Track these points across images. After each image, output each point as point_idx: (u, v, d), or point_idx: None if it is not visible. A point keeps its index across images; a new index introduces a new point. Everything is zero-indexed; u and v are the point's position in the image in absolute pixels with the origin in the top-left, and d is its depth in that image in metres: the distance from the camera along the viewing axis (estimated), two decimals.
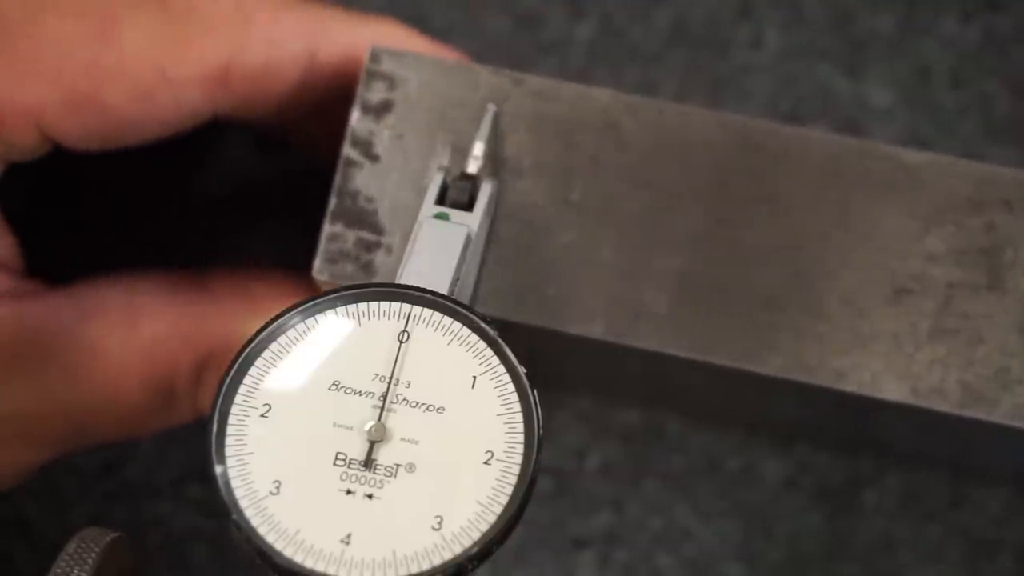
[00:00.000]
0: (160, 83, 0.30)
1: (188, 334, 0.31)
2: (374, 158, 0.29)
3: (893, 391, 0.27)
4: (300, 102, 0.32)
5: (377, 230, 0.28)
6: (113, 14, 0.30)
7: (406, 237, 0.28)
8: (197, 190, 0.37)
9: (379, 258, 0.28)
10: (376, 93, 0.29)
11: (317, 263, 0.28)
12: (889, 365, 0.28)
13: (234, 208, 0.37)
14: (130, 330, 0.31)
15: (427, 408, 0.22)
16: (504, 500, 0.21)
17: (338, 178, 0.29)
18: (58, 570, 0.22)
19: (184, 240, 0.36)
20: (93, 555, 0.22)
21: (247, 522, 0.21)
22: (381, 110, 0.29)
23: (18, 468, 0.31)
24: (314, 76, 0.32)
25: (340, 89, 0.32)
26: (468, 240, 0.26)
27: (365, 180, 0.29)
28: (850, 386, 0.28)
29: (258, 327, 0.26)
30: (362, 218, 0.29)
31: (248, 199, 0.37)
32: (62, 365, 0.30)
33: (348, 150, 0.29)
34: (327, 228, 0.28)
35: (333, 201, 0.29)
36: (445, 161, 0.29)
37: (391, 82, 0.29)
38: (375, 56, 0.29)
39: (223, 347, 0.31)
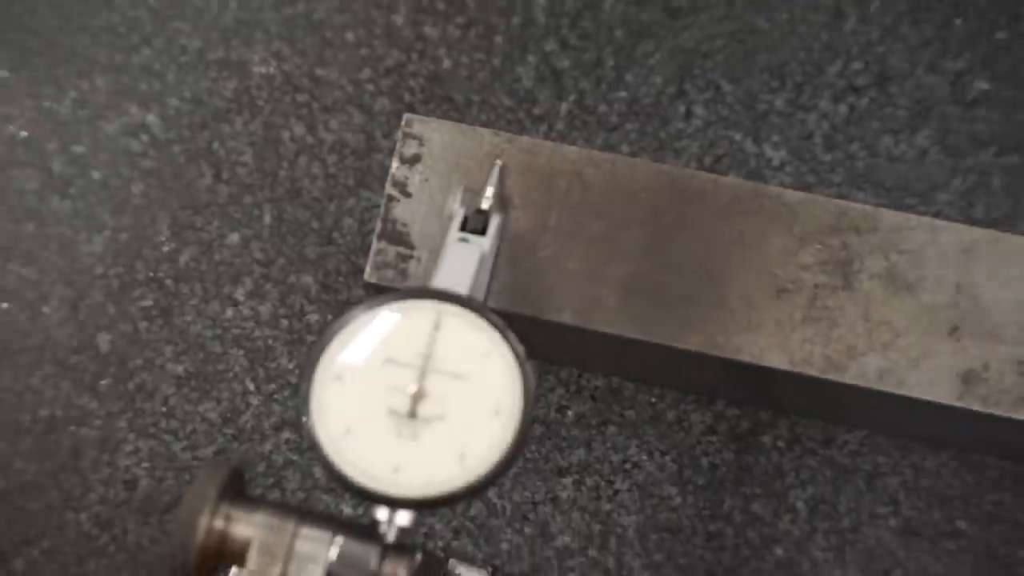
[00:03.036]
0: None
1: None
2: (408, 195, 0.30)
3: (775, 361, 0.28)
4: None
5: (410, 247, 0.29)
6: None
7: (432, 252, 0.29)
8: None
9: (412, 267, 0.29)
10: (410, 148, 0.30)
11: (368, 270, 0.29)
12: (773, 343, 0.29)
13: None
14: None
15: (453, 376, 0.22)
16: (508, 441, 0.21)
17: (382, 210, 0.29)
18: (192, 487, 0.22)
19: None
20: (217, 478, 0.22)
21: (326, 456, 0.21)
22: (413, 161, 0.30)
23: None
24: None
25: None
26: (482, 257, 0.26)
27: (401, 211, 0.29)
28: (745, 357, 0.28)
29: None
30: (399, 238, 0.29)
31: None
32: None
33: (390, 189, 0.29)
34: (375, 245, 0.29)
35: (379, 226, 0.29)
36: (459, 198, 0.30)
37: (420, 140, 0.30)
38: (408, 121, 0.30)
39: None
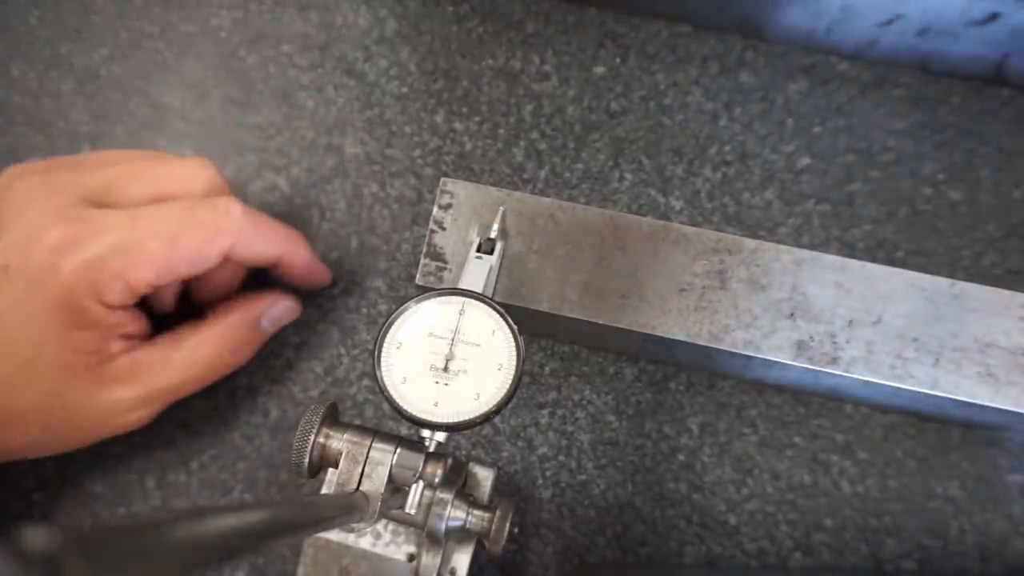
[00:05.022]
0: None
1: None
2: (444, 229, 0.29)
3: (677, 334, 0.28)
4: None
5: (444, 262, 0.29)
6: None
7: (460, 266, 0.28)
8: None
9: (446, 275, 0.28)
10: (445, 199, 0.29)
11: (418, 276, 0.28)
12: (676, 323, 0.28)
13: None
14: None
15: (472, 344, 0.22)
16: (507, 386, 0.21)
17: (427, 238, 0.29)
18: (305, 416, 0.22)
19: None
20: (321, 410, 0.22)
21: (390, 396, 0.21)
22: (447, 207, 0.29)
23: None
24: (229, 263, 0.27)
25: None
26: (491, 268, 0.26)
27: (440, 239, 0.29)
28: (658, 332, 0.28)
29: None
30: (438, 256, 0.29)
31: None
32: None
33: (432, 225, 0.29)
34: (423, 261, 0.28)
35: (425, 249, 0.29)
36: (476, 231, 0.29)
37: (451, 195, 0.29)
38: (444, 183, 0.29)
39: None
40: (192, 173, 0.26)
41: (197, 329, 0.28)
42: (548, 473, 0.32)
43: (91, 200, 0.24)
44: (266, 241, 0.27)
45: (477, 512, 0.24)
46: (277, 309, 0.30)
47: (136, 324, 0.26)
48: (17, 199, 0.23)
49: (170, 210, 0.25)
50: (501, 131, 0.36)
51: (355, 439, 0.21)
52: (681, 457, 0.32)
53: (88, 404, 0.25)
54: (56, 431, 0.25)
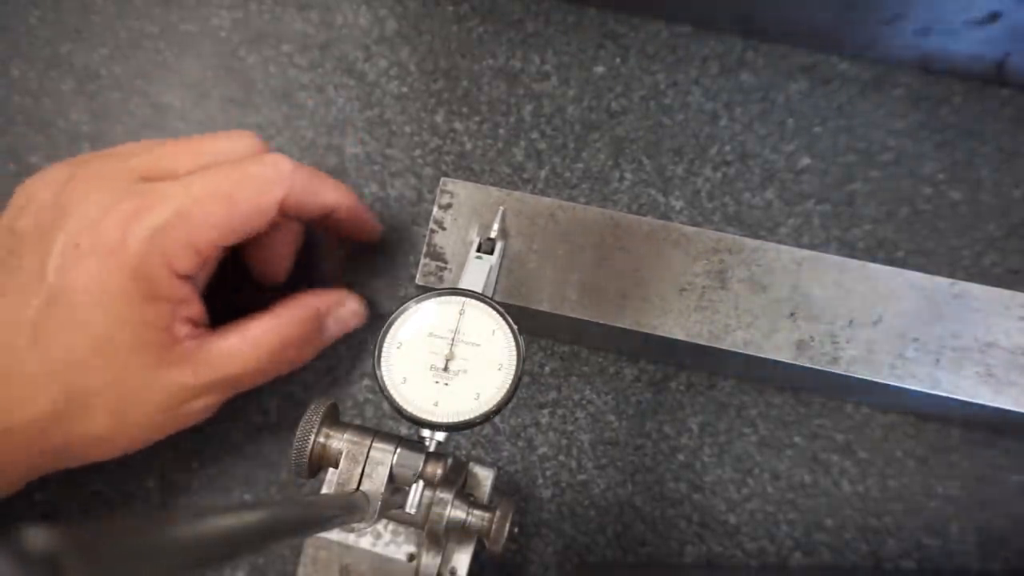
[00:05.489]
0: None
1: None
2: (444, 228, 0.29)
3: (678, 334, 0.28)
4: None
5: (444, 262, 0.29)
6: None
7: (460, 266, 0.28)
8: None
9: (446, 275, 0.28)
10: (445, 199, 0.29)
11: (418, 276, 0.28)
12: (676, 322, 0.28)
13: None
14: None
15: (472, 344, 0.22)
16: (507, 386, 0.21)
17: (427, 238, 0.29)
18: (305, 415, 0.22)
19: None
20: (321, 410, 0.22)
21: (390, 396, 0.21)
22: (447, 207, 0.29)
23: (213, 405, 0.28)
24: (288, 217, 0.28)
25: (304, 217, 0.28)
26: (491, 268, 0.26)
27: (440, 239, 0.29)
28: (659, 332, 0.28)
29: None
30: (438, 256, 0.29)
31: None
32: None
33: (432, 224, 0.29)
34: (423, 261, 0.28)
35: (425, 248, 0.29)
36: (476, 231, 0.29)
37: (451, 194, 0.29)
38: (444, 183, 0.29)
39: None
40: (237, 144, 0.27)
41: (261, 319, 0.28)
42: (548, 473, 0.32)
43: (146, 177, 0.25)
44: (318, 189, 0.27)
45: (477, 512, 0.24)
46: (344, 310, 0.31)
47: (197, 306, 0.26)
48: (80, 186, 0.24)
49: (222, 170, 0.25)
50: (501, 131, 0.36)
51: (355, 439, 0.21)
52: (681, 457, 0.32)
53: (153, 386, 0.24)
54: (121, 416, 0.24)
